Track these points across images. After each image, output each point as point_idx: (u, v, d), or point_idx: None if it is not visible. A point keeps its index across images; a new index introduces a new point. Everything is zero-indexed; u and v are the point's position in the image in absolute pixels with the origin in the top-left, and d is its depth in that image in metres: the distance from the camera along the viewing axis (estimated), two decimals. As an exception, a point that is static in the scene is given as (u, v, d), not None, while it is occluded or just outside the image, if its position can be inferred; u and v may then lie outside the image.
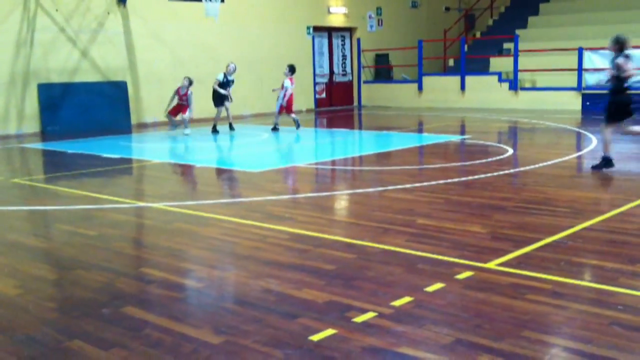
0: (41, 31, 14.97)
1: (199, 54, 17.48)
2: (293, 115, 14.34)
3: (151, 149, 12.49)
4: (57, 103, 15.22)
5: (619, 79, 8.16)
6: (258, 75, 19.01)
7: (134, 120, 16.64)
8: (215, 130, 14.05)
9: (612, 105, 8.27)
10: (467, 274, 4.52)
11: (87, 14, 15.69)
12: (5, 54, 14.49)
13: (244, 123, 16.59)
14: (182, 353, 3.44)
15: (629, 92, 8.29)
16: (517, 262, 4.75)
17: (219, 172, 9.67)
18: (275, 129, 14.30)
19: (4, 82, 14.53)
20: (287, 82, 14.17)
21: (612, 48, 8.19)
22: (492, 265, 4.70)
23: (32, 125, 15.05)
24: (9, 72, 14.59)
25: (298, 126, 14.22)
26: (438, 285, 4.30)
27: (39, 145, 13.08)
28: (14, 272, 4.91)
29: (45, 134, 14.86)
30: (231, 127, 14.34)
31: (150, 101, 16.80)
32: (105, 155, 11.19)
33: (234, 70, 14.19)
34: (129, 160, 10.94)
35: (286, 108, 14.24)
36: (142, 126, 16.55)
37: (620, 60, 8.10)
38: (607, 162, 8.39)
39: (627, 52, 8.12)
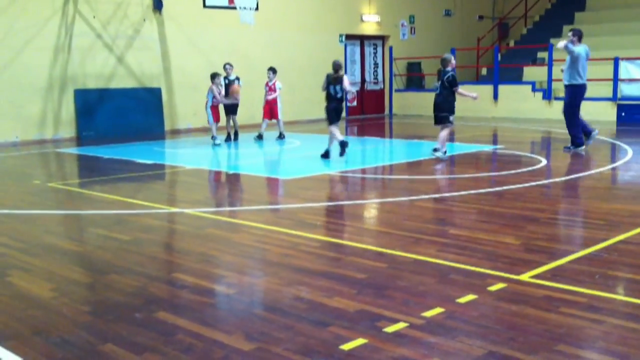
0: (79, 37, 15.23)
1: (233, 61, 17.56)
2: (267, 124, 14.44)
3: (184, 155, 12.60)
4: (92, 108, 15.47)
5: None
6: (290, 82, 19.06)
7: (167, 126, 16.83)
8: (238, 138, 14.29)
9: (327, 110, 10.91)
10: (500, 285, 4.47)
11: (123, 20, 15.93)
12: (44, 60, 14.77)
13: (276, 130, 16.65)
14: (214, 359, 3.46)
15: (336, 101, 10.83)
16: (551, 275, 4.69)
17: (251, 178, 9.71)
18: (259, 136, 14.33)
19: (42, 87, 14.81)
20: (279, 83, 14.33)
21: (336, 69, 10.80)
22: (525, 277, 4.64)
23: (68, 130, 15.30)
24: (47, 77, 14.86)
25: (260, 138, 14.22)
26: (470, 297, 4.26)
27: (74, 150, 13.30)
28: (49, 275, 4.99)
29: (80, 139, 15.10)
30: (232, 137, 14.22)
31: (184, 107, 16.99)
32: (139, 160, 11.33)
33: (231, 69, 13.95)
34: (162, 166, 11.06)
35: (272, 113, 14.33)
36: (176, 132, 16.72)
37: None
38: (327, 153, 10.93)
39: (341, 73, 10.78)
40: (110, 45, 15.78)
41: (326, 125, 11.03)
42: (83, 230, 6.67)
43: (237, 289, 4.64)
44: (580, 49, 11.38)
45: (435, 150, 10.84)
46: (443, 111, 10.77)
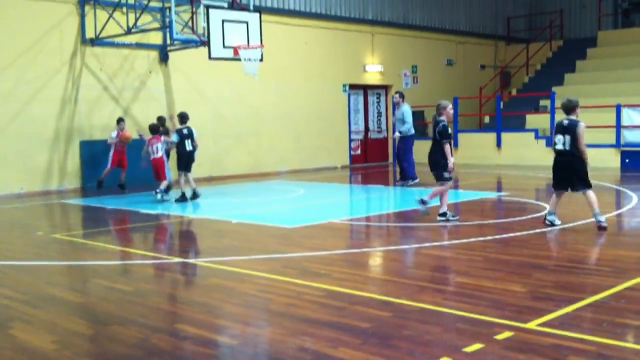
0: (86, 89, 15.43)
1: (239, 110, 17.79)
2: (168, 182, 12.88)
3: (188, 205, 12.59)
4: (98, 159, 15.53)
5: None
6: (295, 131, 19.28)
7: (172, 176, 16.85)
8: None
9: (183, 160, 12.46)
10: (507, 334, 4.41)
11: (130, 72, 16.15)
12: (51, 111, 14.93)
13: (280, 179, 16.70)
14: (216, 412, 3.39)
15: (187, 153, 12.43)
16: (558, 323, 4.62)
17: (255, 228, 9.69)
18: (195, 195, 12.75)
19: (49, 138, 14.92)
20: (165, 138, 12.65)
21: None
22: (532, 325, 4.58)
23: (73, 181, 15.35)
24: (54, 128, 14.99)
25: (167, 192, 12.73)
26: (477, 346, 4.20)
27: (79, 201, 13.32)
28: (52, 327, 4.94)
29: (85, 190, 15.14)
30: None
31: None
32: (143, 210, 11.33)
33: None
34: (166, 216, 11.06)
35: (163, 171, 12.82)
36: (180, 182, 16.74)
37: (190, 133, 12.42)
38: (183, 197, 12.39)
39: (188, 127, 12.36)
40: (116, 97, 15.97)
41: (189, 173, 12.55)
42: (86, 281, 6.63)
43: (240, 340, 4.58)
44: (405, 107, 14.22)
45: (422, 202, 9.34)
46: (438, 168, 9.33)
